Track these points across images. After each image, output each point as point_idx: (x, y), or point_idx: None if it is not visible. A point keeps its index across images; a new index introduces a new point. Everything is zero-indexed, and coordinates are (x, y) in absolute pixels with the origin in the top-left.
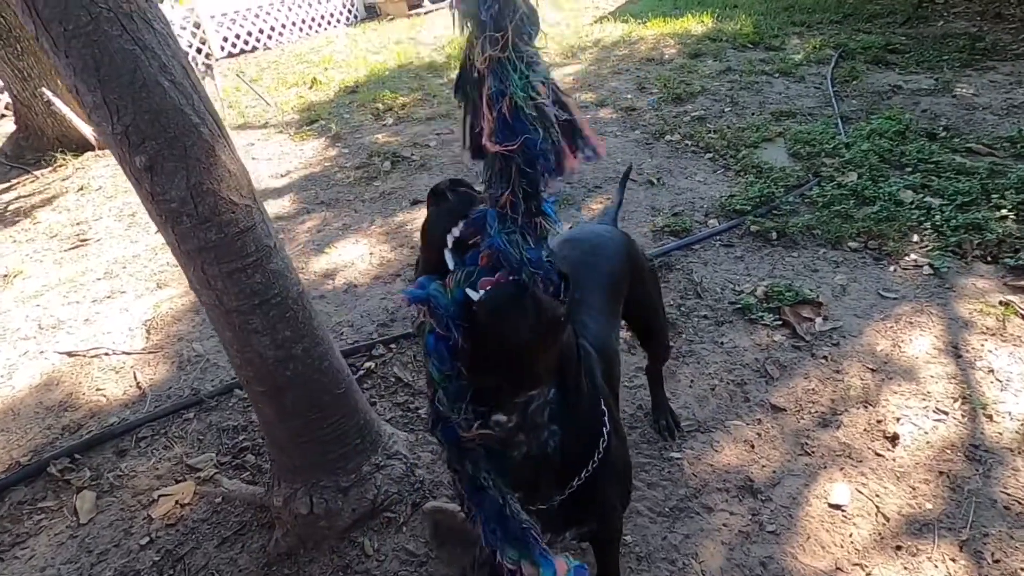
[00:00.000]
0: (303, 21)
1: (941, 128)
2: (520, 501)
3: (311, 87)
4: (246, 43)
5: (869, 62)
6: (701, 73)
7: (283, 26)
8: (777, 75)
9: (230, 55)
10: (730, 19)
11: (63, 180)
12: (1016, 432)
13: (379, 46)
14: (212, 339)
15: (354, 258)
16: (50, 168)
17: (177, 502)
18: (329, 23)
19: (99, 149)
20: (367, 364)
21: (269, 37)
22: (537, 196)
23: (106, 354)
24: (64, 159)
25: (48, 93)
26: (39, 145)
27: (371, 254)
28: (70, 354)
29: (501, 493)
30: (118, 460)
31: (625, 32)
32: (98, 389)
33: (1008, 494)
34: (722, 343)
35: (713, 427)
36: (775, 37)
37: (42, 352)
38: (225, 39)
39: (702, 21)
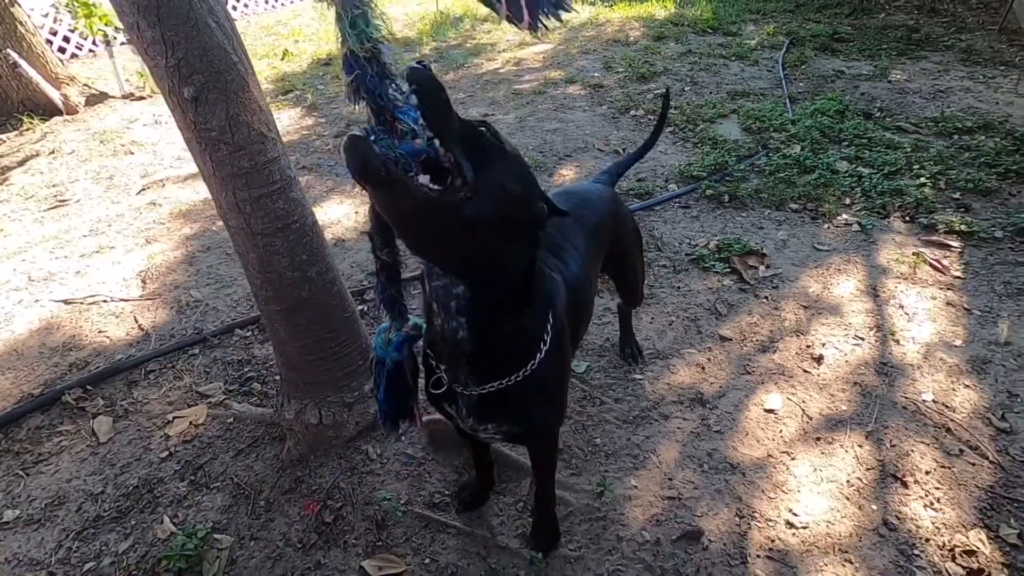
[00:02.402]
0: None
1: (876, 109)
2: (445, 376)
3: (283, 58)
4: None
5: (817, 49)
6: (664, 55)
7: None
8: (733, 58)
9: None
10: (691, 5)
11: (32, 143)
12: (917, 352)
13: None
14: (209, 286)
15: (340, 216)
16: (16, 132)
17: (191, 423)
18: None
19: (67, 114)
20: (360, 307)
21: (234, 8)
22: (385, 110)
23: (104, 301)
24: (31, 123)
25: (14, 55)
26: (3, 108)
27: (356, 212)
28: (67, 302)
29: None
30: (129, 390)
31: (592, 14)
32: (100, 331)
33: (907, 398)
34: (679, 287)
35: (670, 355)
36: (733, 23)
37: (37, 301)
38: None
39: (665, 6)
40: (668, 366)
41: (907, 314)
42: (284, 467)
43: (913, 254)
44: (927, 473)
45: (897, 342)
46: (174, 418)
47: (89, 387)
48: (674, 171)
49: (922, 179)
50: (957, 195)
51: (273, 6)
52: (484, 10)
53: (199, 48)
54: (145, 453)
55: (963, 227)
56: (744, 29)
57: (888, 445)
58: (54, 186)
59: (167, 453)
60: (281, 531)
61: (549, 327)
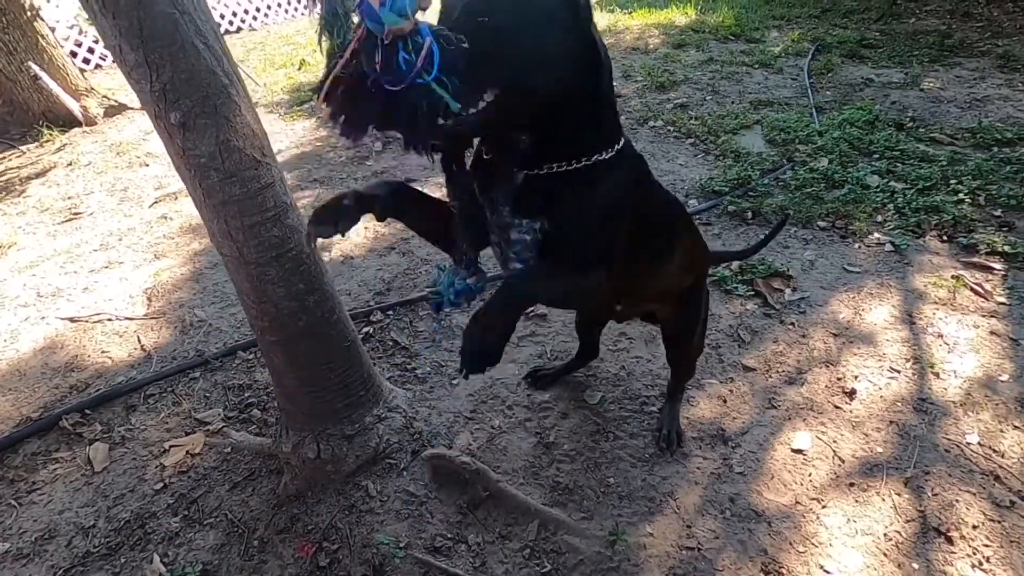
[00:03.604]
0: (288, 2)
1: (908, 119)
2: (486, 157)
3: (300, 68)
4: (231, 23)
5: (844, 56)
6: (684, 63)
7: (268, 7)
8: (757, 66)
9: None
10: (713, 11)
11: (51, 155)
12: (959, 388)
13: None
14: (214, 305)
15: (350, 232)
16: (37, 143)
17: (188, 452)
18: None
19: (86, 125)
20: (366, 329)
21: (255, 18)
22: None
23: (108, 319)
24: (51, 134)
25: (35, 68)
26: (24, 120)
27: (366, 228)
28: (72, 319)
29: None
30: (128, 415)
31: (611, 22)
32: (103, 351)
33: (949, 439)
34: None
35: (690, 385)
36: (756, 30)
37: (43, 318)
38: None
39: (686, 12)
40: (688, 398)
41: (947, 344)
42: (280, 503)
43: (952, 277)
44: (974, 528)
45: (937, 375)
46: (171, 447)
47: (87, 411)
48: (695, 185)
49: (960, 195)
50: (999, 212)
51: (292, 16)
52: None
53: (186, 71)
54: (139, 484)
55: (1006, 247)
56: (768, 35)
57: (930, 494)
58: (69, 198)
59: (161, 485)
60: (275, 573)
61: (616, 150)
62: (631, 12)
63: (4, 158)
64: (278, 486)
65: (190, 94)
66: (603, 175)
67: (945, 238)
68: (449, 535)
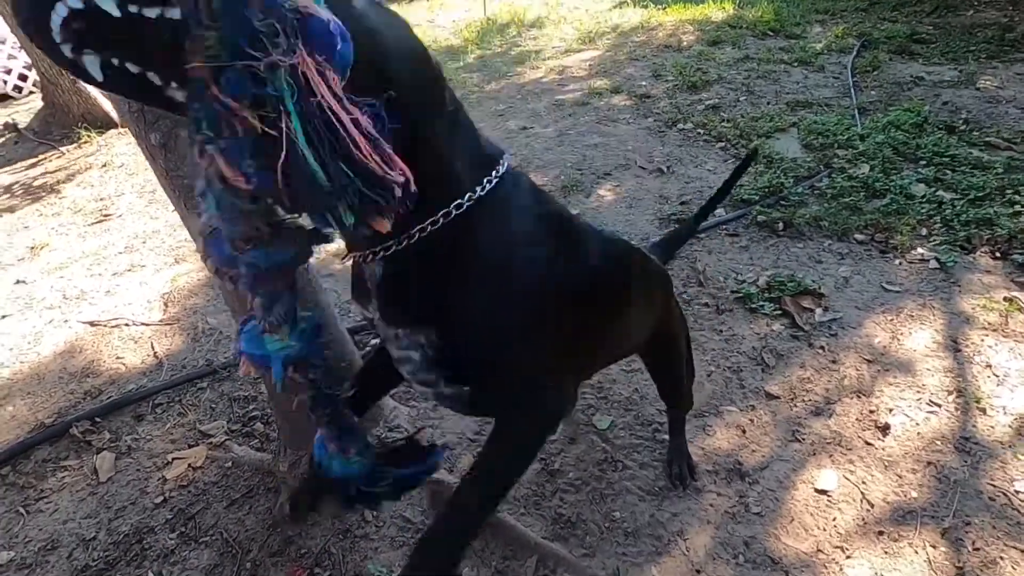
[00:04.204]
0: None
1: (961, 121)
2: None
3: None
4: None
5: (892, 52)
6: (718, 61)
7: None
8: (796, 64)
9: None
10: (751, 5)
11: (87, 156)
12: (1008, 426)
13: None
14: (225, 313)
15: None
16: (75, 144)
17: (190, 465)
18: None
19: (122, 127)
20: (373, 341)
21: None
22: None
23: (126, 324)
24: (89, 136)
25: None
26: (65, 122)
27: None
28: (92, 324)
29: None
30: (136, 424)
31: (644, 18)
32: (118, 357)
33: (994, 486)
34: (721, 331)
35: (707, 412)
36: (796, 25)
37: (66, 321)
38: None
39: (723, 8)
40: (704, 426)
41: (996, 376)
42: (275, 524)
43: (1004, 299)
44: None
45: (983, 411)
46: (173, 459)
47: (98, 419)
48: None
49: (1017, 206)
50: None
51: None
52: (531, 16)
53: None
54: (141, 496)
55: None
56: (809, 31)
57: (970, 548)
58: (101, 199)
59: (162, 499)
60: None
61: (496, 178)
62: (665, 8)
63: (45, 159)
64: (274, 506)
65: (169, 116)
66: (489, 231)
67: (998, 255)
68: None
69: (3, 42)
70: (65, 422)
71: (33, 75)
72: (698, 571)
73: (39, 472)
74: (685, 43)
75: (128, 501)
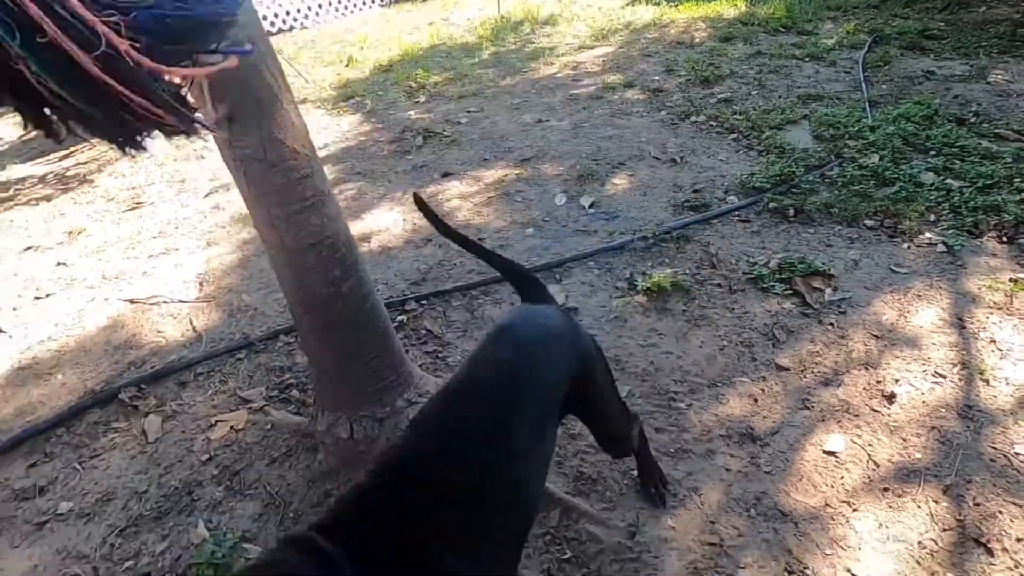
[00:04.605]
0: (339, 1)
1: (971, 114)
2: None
3: (347, 65)
4: (284, 22)
5: (904, 48)
6: (731, 56)
7: (319, 6)
8: (807, 59)
9: (268, 33)
10: (763, 2)
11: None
12: (1011, 396)
13: (412, 27)
14: (260, 291)
15: (388, 224)
16: None
17: (232, 427)
18: (364, 4)
19: None
20: (400, 317)
21: (306, 17)
22: None
23: (164, 302)
24: None
25: None
26: None
27: (404, 220)
28: (132, 301)
29: None
30: (179, 391)
31: (656, 15)
32: (158, 331)
33: (995, 448)
34: (733, 309)
35: (720, 383)
36: (808, 21)
37: (106, 299)
38: (264, 17)
39: (735, 5)
40: (717, 395)
41: (1000, 350)
42: (314, 479)
43: (1010, 280)
44: (1018, 540)
45: (987, 382)
46: (217, 422)
47: (144, 386)
48: (735, 182)
49: None
50: None
51: (343, 13)
52: (544, 13)
53: (232, 69)
54: (188, 455)
55: None
56: (821, 27)
57: (970, 503)
58: (133, 188)
59: (207, 456)
60: None
61: None
62: (678, 5)
63: (77, 151)
64: (313, 463)
65: (236, 90)
66: None
67: (1005, 239)
68: None
69: None
70: (113, 388)
71: None
72: (712, 522)
73: (92, 433)
74: (697, 39)
75: (176, 459)
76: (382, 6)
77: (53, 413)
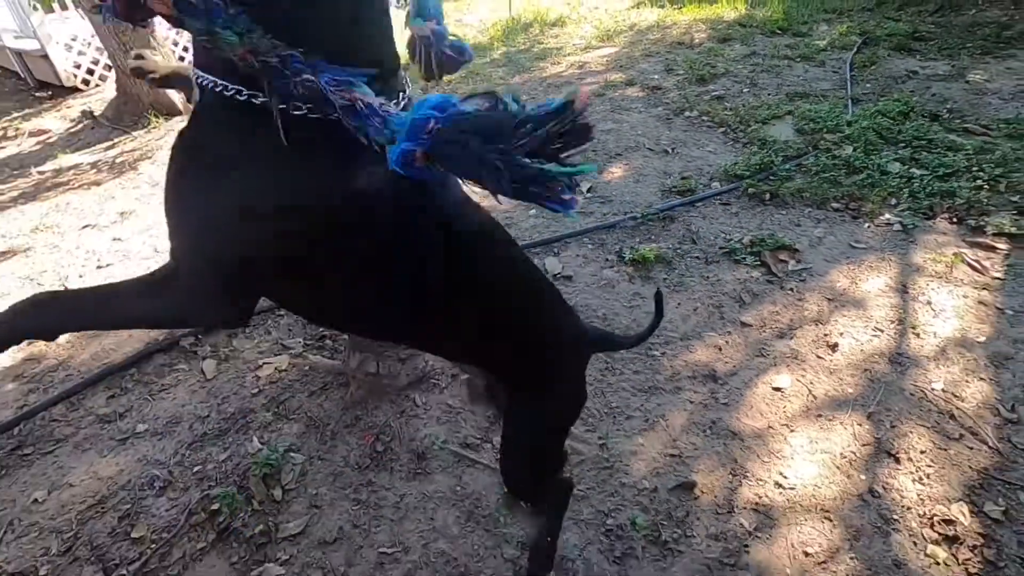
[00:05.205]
0: None
1: (945, 110)
2: None
3: None
4: None
5: (892, 49)
6: (727, 57)
7: None
8: (799, 59)
9: None
10: (763, 5)
11: (158, 139)
12: (936, 346)
13: None
14: None
15: None
16: (145, 129)
17: (276, 368)
18: None
19: (185, 114)
20: None
21: None
22: None
23: None
24: (157, 122)
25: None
26: (136, 109)
27: None
28: None
29: None
30: (230, 340)
31: (660, 17)
32: None
33: (916, 386)
34: (707, 277)
35: (691, 337)
36: (804, 24)
37: None
38: None
39: (735, 7)
40: (687, 346)
41: (933, 310)
42: (347, 407)
43: (953, 254)
44: (922, 452)
45: (917, 335)
46: (263, 364)
47: (200, 336)
48: (720, 170)
49: (979, 181)
50: (1016, 198)
51: None
52: (553, 15)
53: None
54: (241, 389)
55: (1014, 229)
56: (816, 29)
57: (888, 426)
58: None
59: (257, 390)
60: (342, 455)
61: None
62: (681, 7)
63: (120, 142)
64: (346, 394)
65: None
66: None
67: (955, 220)
68: (478, 436)
69: (74, 39)
70: (175, 336)
71: (100, 69)
72: (674, 440)
73: (159, 373)
74: (697, 40)
75: (231, 392)
76: (396, 7)
77: (124, 357)
